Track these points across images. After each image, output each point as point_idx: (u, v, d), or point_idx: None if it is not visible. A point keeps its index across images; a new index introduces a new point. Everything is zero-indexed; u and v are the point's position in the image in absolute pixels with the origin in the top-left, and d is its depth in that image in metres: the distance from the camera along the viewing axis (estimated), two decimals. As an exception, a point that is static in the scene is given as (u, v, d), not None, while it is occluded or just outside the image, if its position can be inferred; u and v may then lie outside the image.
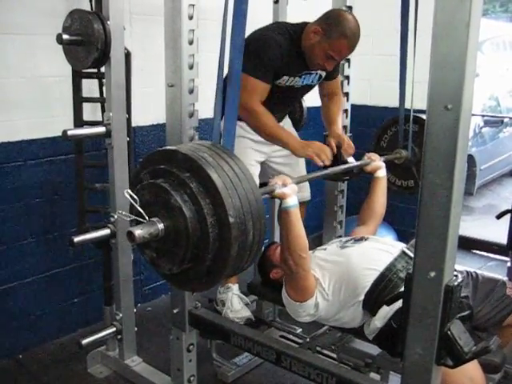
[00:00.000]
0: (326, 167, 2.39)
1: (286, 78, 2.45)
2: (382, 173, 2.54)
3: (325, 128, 2.80)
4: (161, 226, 1.42)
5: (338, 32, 2.31)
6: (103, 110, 2.51)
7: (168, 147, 1.52)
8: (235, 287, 2.70)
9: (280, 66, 2.38)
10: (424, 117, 2.81)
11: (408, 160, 2.80)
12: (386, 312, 1.94)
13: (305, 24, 2.47)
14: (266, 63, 2.32)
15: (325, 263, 2.14)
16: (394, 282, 1.98)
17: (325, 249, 2.29)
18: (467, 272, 2.11)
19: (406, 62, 2.67)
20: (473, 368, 1.81)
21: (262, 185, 1.99)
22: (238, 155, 2.21)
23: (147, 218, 1.43)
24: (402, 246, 2.17)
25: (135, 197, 1.46)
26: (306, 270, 2.02)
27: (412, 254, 2.05)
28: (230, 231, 1.36)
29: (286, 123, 2.83)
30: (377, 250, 2.14)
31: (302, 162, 2.88)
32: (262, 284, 2.52)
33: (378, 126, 3.01)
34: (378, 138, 2.98)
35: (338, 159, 2.47)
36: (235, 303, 2.61)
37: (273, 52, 2.33)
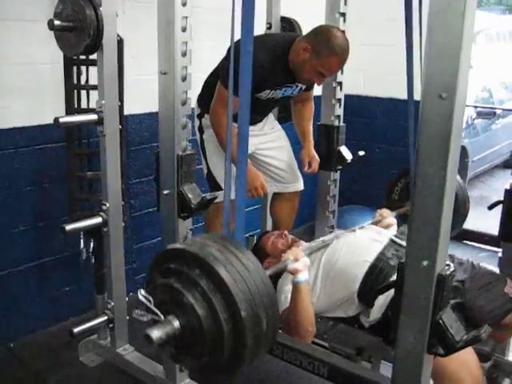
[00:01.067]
0: None
1: (267, 91, 2.50)
2: (393, 230, 2.50)
3: (318, 117, 2.82)
4: (176, 324, 1.44)
5: (327, 49, 2.33)
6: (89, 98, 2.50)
7: (176, 246, 1.52)
8: None
9: (261, 84, 2.42)
10: None
11: None
12: (382, 302, 1.95)
13: (293, 38, 2.48)
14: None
15: (319, 253, 2.15)
16: (386, 270, 1.99)
17: (322, 241, 2.29)
18: (468, 260, 2.11)
19: (412, 55, 2.64)
20: (467, 354, 1.82)
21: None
22: (214, 146, 2.21)
23: (162, 317, 1.44)
24: (389, 233, 2.18)
25: (149, 297, 1.47)
26: (309, 339, 2.03)
27: (400, 242, 2.06)
28: (243, 325, 1.39)
29: (270, 118, 2.85)
30: (365, 241, 2.15)
31: (290, 153, 2.89)
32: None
33: (388, 180, 2.99)
34: (389, 191, 2.96)
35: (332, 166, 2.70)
36: None
37: (255, 73, 2.33)
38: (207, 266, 1.41)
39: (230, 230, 1.62)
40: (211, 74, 2.66)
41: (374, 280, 2.00)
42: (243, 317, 1.38)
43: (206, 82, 2.65)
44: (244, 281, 1.42)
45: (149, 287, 1.53)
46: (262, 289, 1.45)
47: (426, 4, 1.27)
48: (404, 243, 2.05)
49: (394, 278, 1.92)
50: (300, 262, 1.96)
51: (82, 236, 2.59)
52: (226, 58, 2.42)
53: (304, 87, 2.64)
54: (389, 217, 2.53)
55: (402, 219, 2.76)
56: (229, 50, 2.49)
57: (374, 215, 2.57)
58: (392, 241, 2.10)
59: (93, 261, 2.63)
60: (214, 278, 1.40)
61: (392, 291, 1.89)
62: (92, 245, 2.57)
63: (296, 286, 1.97)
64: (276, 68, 2.41)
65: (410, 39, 2.57)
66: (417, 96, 1.35)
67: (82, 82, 2.54)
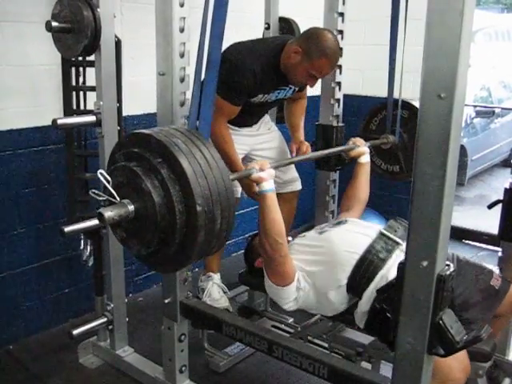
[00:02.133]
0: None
1: (260, 96, 2.51)
2: (365, 159, 2.55)
3: (316, 117, 2.81)
4: (131, 207, 1.46)
5: (318, 52, 2.34)
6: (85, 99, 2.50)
7: (143, 131, 1.53)
8: (216, 276, 2.72)
9: (254, 89, 2.45)
10: (414, 103, 2.83)
11: (395, 145, 2.81)
12: (370, 293, 1.96)
13: (284, 41, 2.48)
14: (239, 90, 2.39)
15: (304, 248, 2.15)
16: (375, 263, 2.00)
17: (304, 235, 2.29)
18: (453, 254, 2.11)
19: (395, 48, 2.69)
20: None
21: None
22: None
23: (118, 199, 1.45)
24: (378, 227, 2.18)
25: (108, 178, 1.48)
26: (282, 255, 2.01)
27: (389, 235, 2.07)
28: (197, 219, 1.39)
29: (266, 119, 2.85)
30: (354, 233, 2.16)
31: (287, 153, 2.89)
32: (252, 274, 2.51)
33: (368, 110, 3.02)
34: (367, 122, 3.00)
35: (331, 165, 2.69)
36: (214, 292, 2.63)
37: (247, 81, 2.37)
38: (170, 155, 1.41)
39: (196, 124, 1.72)
40: None
41: (363, 272, 2.00)
42: (198, 211, 1.38)
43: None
44: (205, 176, 1.42)
45: (109, 168, 1.55)
46: (222, 187, 1.46)
47: (421, 3, 1.27)
48: (393, 236, 2.06)
49: (384, 270, 1.97)
50: (265, 171, 1.95)
51: (82, 237, 2.59)
52: (221, 67, 2.42)
53: (297, 89, 2.65)
54: (362, 146, 2.55)
55: (375, 151, 2.87)
56: (222, 57, 2.52)
57: (348, 143, 2.58)
58: (381, 233, 2.11)
59: (91, 263, 2.64)
60: (175, 167, 1.40)
61: (379, 282, 1.93)
62: (92, 246, 2.57)
63: (263, 196, 1.97)
64: (268, 73, 2.43)
65: (394, 38, 2.63)
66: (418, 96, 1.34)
67: (82, 82, 2.53)
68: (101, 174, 1.49)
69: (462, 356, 1.83)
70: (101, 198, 1.51)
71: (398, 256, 2.02)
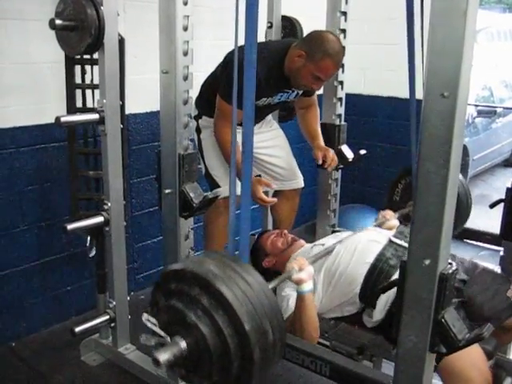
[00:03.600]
0: None
1: (264, 99, 2.53)
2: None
3: (320, 117, 2.81)
4: (183, 344, 1.43)
5: (321, 52, 2.35)
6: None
7: (174, 266, 1.52)
8: None
9: (257, 93, 2.41)
10: None
11: None
12: (384, 302, 1.96)
13: (288, 45, 2.49)
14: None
15: (321, 260, 2.15)
16: (386, 270, 2.00)
17: (323, 244, 2.29)
18: (470, 260, 2.11)
19: (414, 55, 2.64)
20: (481, 360, 1.82)
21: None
22: (214, 153, 2.21)
23: (169, 338, 1.44)
24: (388, 233, 2.18)
25: (154, 321, 1.46)
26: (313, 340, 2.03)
27: (399, 242, 2.07)
28: (248, 338, 1.37)
29: (267, 117, 2.85)
30: (364, 242, 2.16)
31: (288, 151, 2.90)
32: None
33: (389, 181, 2.97)
34: (390, 193, 2.95)
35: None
36: None
37: None
38: (206, 282, 1.40)
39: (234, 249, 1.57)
40: (209, 77, 2.67)
41: (374, 281, 2.00)
42: (247, 330, 1.37)
43: (204, 83, 2.66)
44: (245, 294, 1.40)
45: (153, 310, 1.53)
46: (264, 300, 1.44)
47: (427, 3, 1.27)
48: (403, 243, 2.06)
49: (395, 277, 1.95)
50: (304, 271, 1.96)
51: (87, 234, 2.59)
52: (225, 69, 2.42)
53: (301, 92, 2.66)
54: (392, 218, 2.52)
55: (404, 220, 2.74)
56: (225, 58, 2.50)
57: (378, 217, 2.56)
58: (391, 241, 2.11)
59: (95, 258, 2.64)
60: (213, 294, 1.39)
61: (394, 290, 1.91)
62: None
63: (301, 296, 1.97)
64: (272, 77, 2.44)
65: (411, 38, 2.58)
66: (418, 95, 1.35)
67: (87, 80, 2.54)
68: (147, 319, 1.48)
69: (482, 366, 1.83)
70: (152, 343, 1.49)
71: None
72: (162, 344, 1.44)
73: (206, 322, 1.40)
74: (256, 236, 2.63)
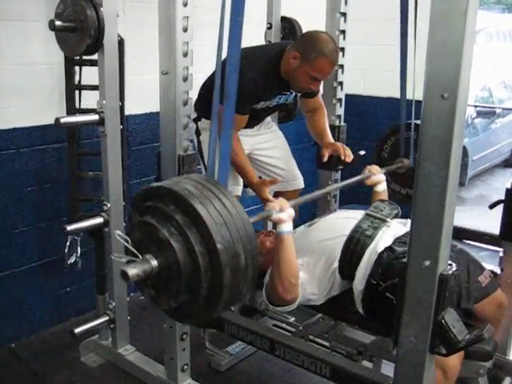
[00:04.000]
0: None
1: (262, 102, 2.53)
2: (381, 187, 2.52)
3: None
4: (154, 262, 1.43)
5: (315, 52, 2.35)
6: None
7: (152, 184, 1.53)
8: None
9: (256, 98, 2.47)
10: None
11: (411, 169, 2.78)
12: (363, 270, 1.97)
13: (283, 48, 2.49)
14: (244, 100, 2.36)
15: (295, 244, 2.15)
16: (362, 240, 2.02)
17: (295, 231, 2.30)
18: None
19: (406, 54, 2.66)
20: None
21: None
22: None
23: (140, 256, 1.44)
24: (363, 212, 2.20)
25: (126, 237, 1.47)
26: (294, 296, 2.01)
27: (375, 214, 2.09)
28: (219, 258, 1.37)
29: (265, 120, 2.86)
30: (341, 219, 2.19)
31: (288, 151, 2.90)
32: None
33: (378, 137, 2.98)
34: (379, 149, 2.96)
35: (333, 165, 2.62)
36: None
37: (249, 90, 2.37)
38: (181, 199, 1.40)
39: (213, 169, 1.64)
40: (208, 78, 2.66)
41: (352, 251, 2.01)
42: (219, 249, 1.36)
43: (202, 86, 2.66)
44: (220, 215, 1.40)
45: (127, 228, 1.54)
46: (240, 223, 1.43)
47: (425, 4, 1.27)
48: (378, 215, 2.08)
49: (372, 245, 1.99)
50: (285, 212, 1.94)
51: (68, 240, 2.59)
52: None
53: (299, 94, 2.65)
54: (378, 173, 2.53)
55: (391, 176, 2.82)
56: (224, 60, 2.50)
57: (363, 171, 2.56)
58: (367, 214, 2.12)
59: (80, 265, 2.67)
60: (188, 211, 1.39)
61: (369, 257, 1.95)
62: (79, 248, 2.60)
63: (280, 237, 1.96)
64: (269, 81, 2.44)
65: (405, 39, 2.60)
66: (418, 96, 1.35)
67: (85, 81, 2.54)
68: (118, 235, 1.48)
69: (453, 366, 1.83)
70: (123, 260, 1.49)
71: (385, 232, 2.05)
72: (133, 261, 1.43)
73: (178, 239, 1.40)
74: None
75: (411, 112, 2.59)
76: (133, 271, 1.39)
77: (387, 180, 2.60)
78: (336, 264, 2.03)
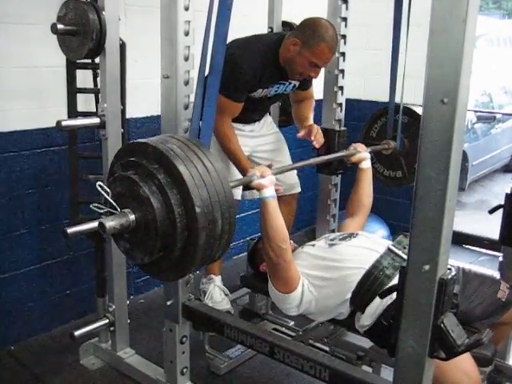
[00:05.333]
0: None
1: (259, 90, 2.53)
2: (366, 164, 2.55)
3: (319, 121, 2.82)
4: (132, 217, 1.46)
5: (316, 38, 2.36)
6: (97, 101, 2.51)
7: (139, 140, 1.55)
8: (218, 279, 2.73)
9: (254, 84, 2.47)
10: (415, 108, 2.84)
11: (397, 151, 2.82)
12: (373, 310, 1.95)
13: (282, 36, 2.51)
14: (240, 87, 2.41)
15: (312, 260, 2.15)
16: (380, 279, 1.98)
17: (313, 245, 2.28)
18: (459, 267, 2.11)
19: (397, 55, 2.70)
20: (468, 364, 1.82)
21: None
22: (212, 145, 2.24)
23: (119, 209, 1.46)
24: (388, 243, 2.18)
25: (107, 189, 1.49)
26: (287, 261, 2.02)
27: (397, 251, 2.06)
28: (196, 221, 1.40)
29: (268, 120, 2.86)
30: (363, 249, 2.14)
31: (288, 156, 2.91)
32: (254, 276, 2.52)
33: (369, 115, 3.03)
34: (368, 128, 3.01)
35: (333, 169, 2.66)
36: (216, 295, 2.64)
37: (246, 76, 2.39)
38: (166, 159, 1.42)
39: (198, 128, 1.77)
40: None
41: (367, 288, 1.99)
42: (197, 212, 1.39)
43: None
44: (202, 178, 1.43)
45: (109, 180, 1.56)
46: (221, 190, 1.47)
47: (424, 9, 1.28)
48: (401, 253, 2.05)
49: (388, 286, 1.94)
50: (266, 178, 1.96)
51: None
52: (224, 65, 2.42)
53: (297, 84, 2.65)
54: (363, 151, 2.55)
55: (376, 157, 2.88)
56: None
57: (349, 148, 2.58)
58: (389, 249, 2.10)
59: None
60: (171, 171, 1.41)
61: (385, 300, 1.90)
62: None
63: (264, 202, 1.98)
64: (267, 68, 2.44)
65: (396, 43, 2.64)
66: (419, 101, 1.35)
67: (90, 85, 2.54)
68: (99, 186, 1.50)
69: (472, 370, 1.83)
70: (102, 211, 1.52)
71: None
72: (112, 214, 1.47)
73: (158, 198, 1.42)
74: (255, 240, 2.64)
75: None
76: (110, 223, 1.43)
77: (372, 159, 2.64)
78: (349, 295, 2.02)
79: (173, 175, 1.42)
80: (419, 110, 2.52)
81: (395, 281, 1.93)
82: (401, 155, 2.86)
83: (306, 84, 2.72)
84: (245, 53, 2.39)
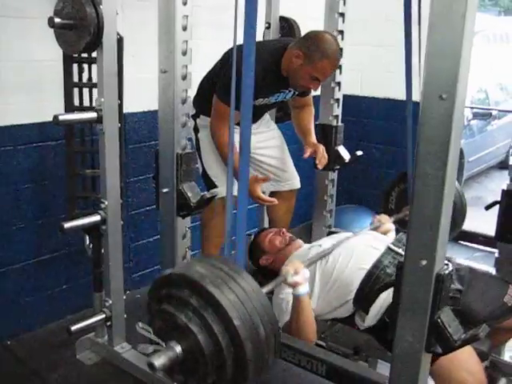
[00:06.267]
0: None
1: (260, 99, 2.53)
2: (391, 236, 2.51)
3: (316, 117, 2.82)
4: (178, 348, 1.44)
5: (319, 53, 2.36)
6: (91, 96, 2.51)
7: (164, 273, 1.54)
8: None
9: (254, 93, 2.42)
10: None
11: None
12: (377, 310, 1.96)
13: (285, 46, 2.48)
14: (239, 94, 2.35)
15: (317, 263, 2.16)
16: (382, 278, 2.00)
17: (320, 245, 2.30)
18: (467, 267, 2.12)
19: (411, 53, 2.65)
20: (473, 363, 1.83)
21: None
22: (210, 151, 2.22)
23: (163, 344, 1.45)
24: (387, 240, 2.19)
25: (149, 328, 1.48)
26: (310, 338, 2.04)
27: (397, 250, 2.07)
28: (238, 333, 1.38)
29: (265, 117, 2.86)
30: (364, 247, 2.16)
31: (286, 151, 2.91)
32: (254, 273, 2.52)
33: (383, 189, 3.01)
34: (385, 202, 2.98)
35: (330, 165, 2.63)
36: None
37: None
38: (193, 283, 1.42)
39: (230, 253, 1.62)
40: (207, 75, 2.67)
41: (370, 287, 2.01)
42: (236, 325, 1.38)
43: (201, 83, 2.66)
44: (233, 292, 1.41)
45: (147, 317, 1.55)
46: (253, 295, 1.45)
47: (426, 5, 1.28)
48: (401, 251, 2.06)
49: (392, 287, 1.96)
50: (300, 274, 1.96)
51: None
52: (222, 68, 2.42)
53: (297, 91, 2.66)
54: (387, 222, 2.54)
55: (400, 225, 2.78)
56: (223, 56, 2.49)
57: (373, 221, 2.57)
58: (389, 248, 2.11)
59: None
60: (201, 293, 1.41)
61: (387, 297, 1.92)
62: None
63: (297, 299, 1.99)
64: (268, 77, 2.44)
65: (409, 40, 2.59)
66: (416, 97, 1.35)
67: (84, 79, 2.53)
68: (141, 328, 1.49)
69: (476, 368, 1.84)
70: (149, 352, 1.49)
71: None
72: (157, 350, 1.44)
73: (196, 322, 1.41)
74: (252, 235, 2.64)
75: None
76: (159, 361, 1.40)
77: (396, 229, 2.59)
78: (352, 296, 2.04)
79: (204, 296, 1.41)
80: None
81: None
82: None
83: (305, 91, 2.72)
84: None
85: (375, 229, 2.51)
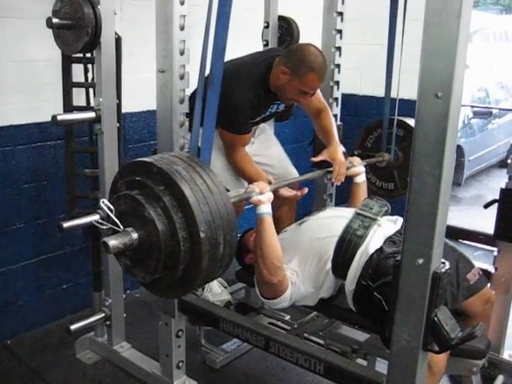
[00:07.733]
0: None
1: (257, 118, 2.55)
2: (360, 179, 2.58)
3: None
4: (135, 235, 1.46)
5: (304, 68, 2.34)
6: (88, 96, 2.51)
7: (144, 159, 1.54)
8: None
9: (253, 114, 2.49)
10: (409, 122, 2.84)
11: (390, 163, 2.84)
12: (354, 271, 2.01)
13: (270, 62, 2.46)
14: (243, 120, 2.42)
15: (287, 243, 2.18)
16: (354, 241, 2.06)
17: (285, 230, 2.32)
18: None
19: (393, 50, 2.70)
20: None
21: None
22: (218, 158, 2.23)
23: (122, 227, 1.46)
24: (353, 210, 2.22)
25: (111, 206, 1.48)
26: (280, 279, 2.04)
27: (365, 213, 2.11)
28: (200, 246, 1.41)
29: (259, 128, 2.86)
30: (332, 218, 2.21)
31: (280, 149, 2.90)
32: (244, 270, 2.53)
33: (363, 127, 3.03)
34: (363, 139, 3.02)
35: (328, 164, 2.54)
36: (215, 287, 2.64)
37: (245, 111, 2.40)
38: (173, 182, 1.43)
39: (197, 150, 1.73)
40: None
41: (343, 252, 2.05)
42: (201, 238, 1.40)
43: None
44: (206, 202, 1.44)
45: (112, 197, 1.55)
46: (224, 212, 1.48)
47: (420, 3, 1.28)
48: (368, 214, 2.13)
49: (363, 246, 2.03)
50: (264, 194, 2.00)
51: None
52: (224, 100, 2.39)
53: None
54: (358, 165, 2.57)
55: (370, 169, 2.91)
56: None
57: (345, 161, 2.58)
58: (357, 213, 2.15)
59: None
60: (177, 195, 1.42)
61: (360, 258, 2.00)
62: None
63: (260, 217, 2.01)
64: (261, 97, 2.45)
65: (392, 40, 2.63)
66: (413, 95, 1.35)
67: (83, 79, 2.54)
68: (103, 203, 1.50)
69: (439, 360, 1.84)
70: (104, 227, 1.51)
71: (376, 231, 2.09)
72: (114, 231, 1.47)
73: (163, 220, 1.43)
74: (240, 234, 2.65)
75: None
76: (113, 242, 1.42)
77: (366, 170, 2.66)
78: (329, 265, 2.07)
79: (178, 199, 1.42)
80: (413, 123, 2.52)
81: (367, 240, 2.05)
82: (394, 168, 2.90)
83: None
84: (238, 89, 2.36)
85: (347, 169, 2.52)
